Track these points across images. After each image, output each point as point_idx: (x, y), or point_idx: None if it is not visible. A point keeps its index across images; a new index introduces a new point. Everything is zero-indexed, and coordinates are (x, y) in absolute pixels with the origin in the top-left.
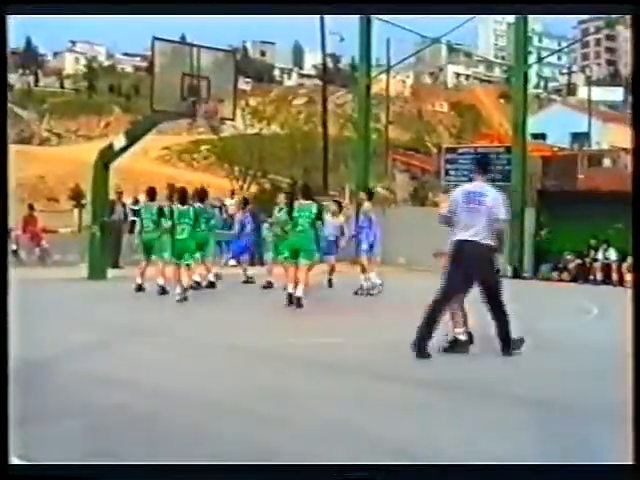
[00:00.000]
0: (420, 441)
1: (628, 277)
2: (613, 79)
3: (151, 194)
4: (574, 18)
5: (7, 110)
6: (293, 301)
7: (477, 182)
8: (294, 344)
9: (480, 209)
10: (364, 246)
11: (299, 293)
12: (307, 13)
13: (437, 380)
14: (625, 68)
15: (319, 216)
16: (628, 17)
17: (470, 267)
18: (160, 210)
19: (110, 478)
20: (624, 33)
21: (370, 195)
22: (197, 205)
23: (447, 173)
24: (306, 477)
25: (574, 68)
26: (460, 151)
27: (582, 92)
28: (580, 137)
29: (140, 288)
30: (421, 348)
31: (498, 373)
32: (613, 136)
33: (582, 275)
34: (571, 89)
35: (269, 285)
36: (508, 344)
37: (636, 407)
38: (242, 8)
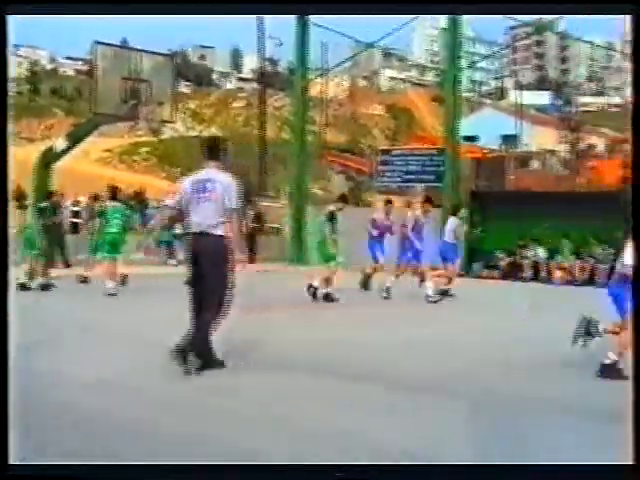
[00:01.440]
0: (359, 435)
1: (556, 274)
2: (542, 83)
3: (114, 194)
4: (504, 24)
5: (7, 110)
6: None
7: (207, 169)
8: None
9: (210, 197)
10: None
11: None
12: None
13: (378, 375)
14: (553, 72)
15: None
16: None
17: (203, 262)
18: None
19: (110, 478)
20: (552, 39)
21: (429, 201)
22: (110, 204)
23: (381, 174)
24: (306, 477)
25: (504, 73)
26: (394, 153)
27: (512, 96)
28: (510, 139)
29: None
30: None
31: (440, 369)
32: (541, 138)
33: (512, 273)
34: (502, 93)
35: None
36: (185, 357)
37: (636, 407)
38: (233, 8)
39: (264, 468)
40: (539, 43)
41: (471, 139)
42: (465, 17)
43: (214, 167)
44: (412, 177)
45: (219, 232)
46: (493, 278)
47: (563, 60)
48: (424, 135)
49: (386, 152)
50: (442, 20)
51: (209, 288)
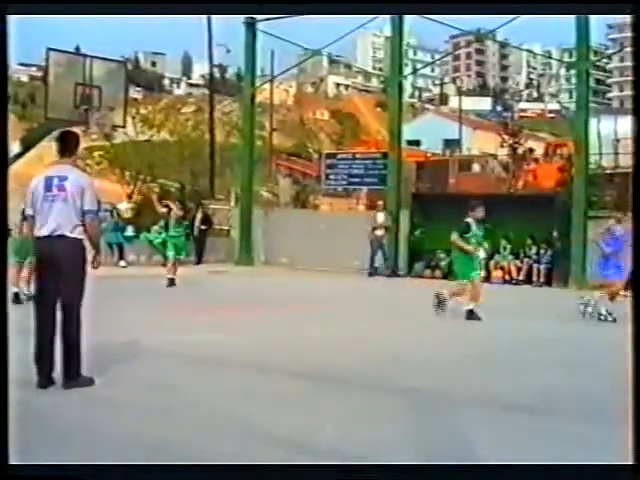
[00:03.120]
0: (299, 431)
1: (495, 273)
2: (482, 90)
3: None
4: (446, 33)
5: (7, 110)
6: None
7: (59, 164)
8: (179, 341)
9: (60, 196)
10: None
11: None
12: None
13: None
14: (493, 79)
15: None
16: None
17: (53, 269)
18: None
19: (110, 478)
20: (493, 47)
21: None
22: None
23: (327, 177)
24: (305, 477)
25: (446, 79)
26: (340, 157)
27: (453, 102)
28: (451, 143)
29: None
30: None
31: (372, 366)
32: (481, 143)
33: (452, 272)
34: (443, 99)
35: (172, 283)
36: (70, 374)
37: (636, 407)
38: (229, 8)
39: (264, 468)
40: (480, 51)
41: (414, 143)
42: (408, 26)
43: (66, 163)
44: (356, 180)
45: (73, 234)
46: (434, 278)
47: (503, 67)
48: (368, 139)
49: (331, 156)
50: (386, 28)
51: (62, 292)
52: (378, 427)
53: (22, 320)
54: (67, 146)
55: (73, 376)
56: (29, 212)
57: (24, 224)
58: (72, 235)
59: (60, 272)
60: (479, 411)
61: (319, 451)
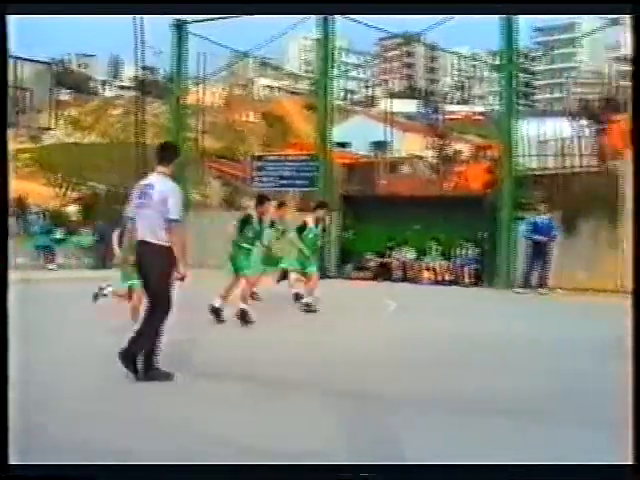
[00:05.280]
0: (232, 432)
1: (424, 275)
2: (411, 92)
3: None
4: (375, 35)
5: (7, 111)
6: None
7: (153, 174)
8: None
9: (149, 204)
10: None
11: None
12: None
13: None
14: (421, 82)
15: None
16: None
17: (142, 270)
18: None
19: (110, 478)
20: (421, 50)
21: None
22: None
23: (257, 179)
24: (305, 477)
25: (375, 82)
26: (269, 158)
27: (382, 104)
28: (381, 145)
29: None
30: (130, 362)
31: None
32: (410, 145)
33: (382, 273)
34: (372, 101)
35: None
36: (149, 365)
37: (636, 407)
38: (238, 7)
39: (264, 468)
40: (409, 54)
41: (343, 145)
42: (337, 28)
43: (160, 172)
44: (286, 182)
45: (159, 241)
46: (363, 279)
47: (431, 70)
48: (298, 141)
49: (261, 158)
50: (315, 30)
51: (148, 295)
52: (302, 428)
53: None
54: (161, 156)
55: (148, 363)
56: (129, 214)
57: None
58: (155, 242)
59: (144, 273)
60: (409, 411)
61: (247, 451)
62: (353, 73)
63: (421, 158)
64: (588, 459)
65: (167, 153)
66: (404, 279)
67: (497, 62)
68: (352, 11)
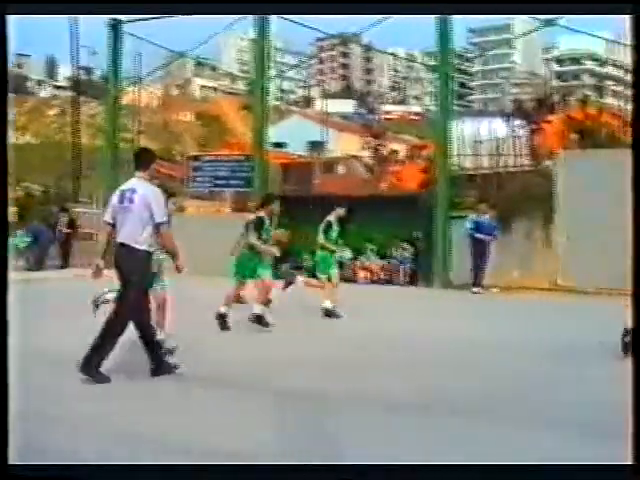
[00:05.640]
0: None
1: (360, 274)
2: (347, 92)
3: None
4: (312, 36)
5: (7, 109)
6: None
7: (133, 179)
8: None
9: (131, 208)
10: None
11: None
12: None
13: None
14: (357, 82)
15: None
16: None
17: (124, 274)
18: None
19: (110, 478)
20: (357, 50)
21: None
22: None
23: (193, 180)
24: (306, 477)
25: (311, 82)
26: (205, 159)
27: (319, 104)
28: (317, 145)
29: None
30: (92, 367)
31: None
32: (346, 145)
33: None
34: (309, 101)
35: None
36: (158, 364)
37: (636, 407)
38: (246, 8)
39: (264, 468)
40: (345, 54)
41: (279, 145)
42: (274, 28)
43: (139, 177)
44: (222, 182)
45: (141, 245)
46: None
47: (367, 70)
48: (234, 142)
49: (197, 158)
50: (251, 31)
51: (125, 298)
52: (246, 427)
53: None
54: (139, 160)
55: (157, 362)
56: (106, 219)
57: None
58: (137, 246)
59: (126, 276)
60: (348, 410)
61: (179, 451)
62: (290, 73)
63: (357, 158)
64: (531, 459)
65: (144, 158)
66: (340, 279)
67: (433, 63)
68: (288, 11)
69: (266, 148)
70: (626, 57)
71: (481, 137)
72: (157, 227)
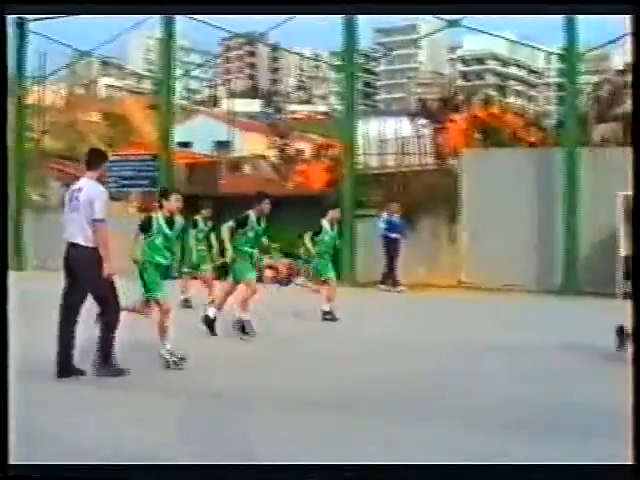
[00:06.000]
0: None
1: (267, 272)
2: (253, 92)
3: None
4: (218, 35)
5: (7, 110)
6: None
7: (83, 178)
8: None
9: (77, 206)
10: None
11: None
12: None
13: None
14: (263, 82)
15: None
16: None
17: (72, 272)
18: None
19: (110, 478)
20: (263, 50)
21: None
22: None
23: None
24: (305, 477)
25: (218, 81)
26: (111, 159)
27: (225, 104)
28: (223, 145)
29: None
30: (64, 367)
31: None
32: (252, 144)
33: (223, 272)
34: (215, 101)
35: None
36: (105, 359)
37: (636, 407)
38: (238, 8)
39: (265, 468)
40: (251, 54)
41: (185, 145)
42: (179, 28)
43: (88, 177)
44: (128, 182)
45: (86, 242)
46: (217, 279)
47: (274, 70)
48: (140, 141)
49: None
50: (157, 30)
51: (78, 297)
52: (162, 428)
53: None
54: (89, 161)
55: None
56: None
57: None
58: (83, 243)
59: (76, 275)
60: (264, 410)
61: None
62: (196, 73)
63: (263, 157)
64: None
65: (94, 158)
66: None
67: (338, 62)
68: (202, 12)
69: (172, 148)
70: (529, 57)
71: (386, 136)
72: (94, 224)
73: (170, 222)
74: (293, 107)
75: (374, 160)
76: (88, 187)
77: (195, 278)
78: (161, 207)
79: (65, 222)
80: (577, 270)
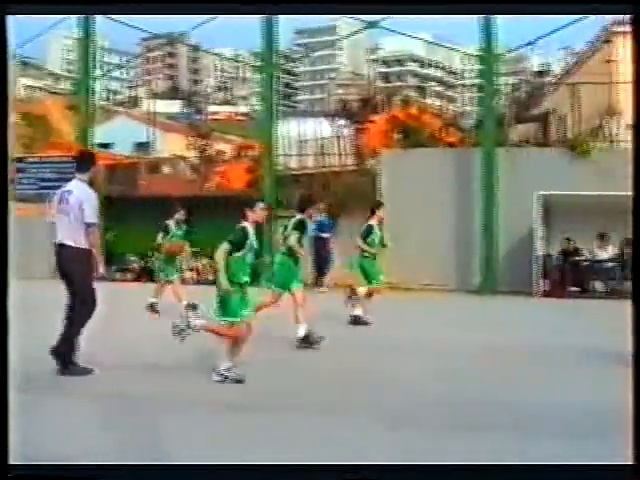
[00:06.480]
0: None
1: (187, 274)
2: (173, 93)
3: None
4: (138, 36)
5: (7, 110)
6: None
7: (73, 180)
8: None
9: (67, 209)
10: None
11: None
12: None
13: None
14: (184, 82)
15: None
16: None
17: (63, 272)
18: None
19: (110, 478)
20: (184, 50)
21: None
22: None
23: (18, 182)
24: (307, 477)
25: (138, 82)
26: (30, 160)
27: (145, 104)
28: (143, 146)
29: None
30: (68, 362)
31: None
32: (172, 145)
33: (145, 275)
34: (135, 101)
35: None
36: (62, 360)
37: (636, 407)
38: (241, 8)
39: (265, 468)
40: (171, 54)
41: (105, 146)
42: (99, 28)
43: (78, 179)
44: (48, 184)
45: (77, 244)
46: (126, 281)
47: (194, 71)
48: (60, 142)
49: (21, 160)
50: (76, 30)
51: (74, 296)
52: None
53: None
54: (79, 164)
55: (61, 358)
56: (51, 220)
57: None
58: (74, 245)
59: (65, 275)
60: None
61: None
62: (116, 73)
63: (183, 158)
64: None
65: (84, 161)
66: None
67: (259, 63)
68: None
69: (92, 149)
70: (448, 59)
71: (306, 137)
72: (86, 227)
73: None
74: (213, 108)
75: (294, 161)
76: (78, 190)
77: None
78: (245, 218)
79: (55, 223)
80: (495, 269)
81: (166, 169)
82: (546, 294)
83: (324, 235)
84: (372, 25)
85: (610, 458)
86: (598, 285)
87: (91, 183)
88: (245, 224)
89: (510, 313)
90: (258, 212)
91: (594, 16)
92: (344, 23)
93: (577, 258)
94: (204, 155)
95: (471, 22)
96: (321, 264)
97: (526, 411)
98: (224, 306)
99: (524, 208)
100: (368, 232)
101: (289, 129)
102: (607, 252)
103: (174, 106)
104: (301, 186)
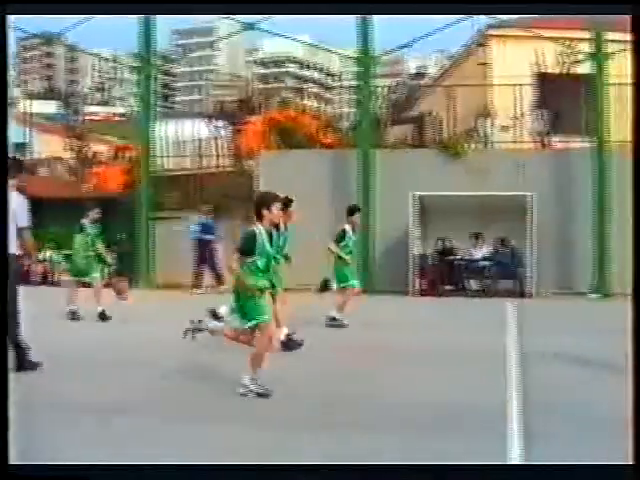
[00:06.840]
0: None
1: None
2: (50, 93)
3: None
4: (15, 35)
5: (7, 110)
6: None
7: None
8: None
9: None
10: None
11: None
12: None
13: None
14: (61, 83)
15: None
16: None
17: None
18: None
19: (110, 478)
20: (61, 50)
21: None
22: None
23: None
24: (308, 477)
25: (15, 82)
26: None
27: (22, 105)
28: (20, 147)
29: None
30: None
31: None
32: (49, 146)
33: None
34: (12, 102)
35: None
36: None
37: (636, 407)
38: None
39: (266, 468)
40: (48, 54)
41: None
42: None
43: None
44: None
45: (15, 250)
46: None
47: (72, 71)
48: None
49: None
50: None
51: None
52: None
53: None
54: (12, 169)
55: None
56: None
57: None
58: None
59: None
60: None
61: None
62: None
63: (60, 160)
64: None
65: (11, 168)
66: (44, 282)
67: (136, 64)
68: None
69: None
70: (326, 60)
71: (184, 138)
72: (19, 232)
73: (270, 236)
74: (91, 109)
75: (172, 162)
76: (13, 196)
77: (84, 286)
78: (260, 218)
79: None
80: (372, 269)
81: (43, 170)
82: (422, 293)
83: (206, 237)
84: (251, 26)
85: (495, 457)
86: (473, 283)
87: (21, 190)
88: (255, 227)
89: (386, 312)
90: (274, 212)
91: (468, 19)
92: (223, 24)
93: (452, 257)
94: (81, 156)
95: (350, 24)
96: (201, 265)
97: (397, 409)
98: (241, 312)
99: (400, 208)
100: (341, 236)
101: (167, 130)
102: (481, 251)
103: (51, 106)
104: (178, 187)
